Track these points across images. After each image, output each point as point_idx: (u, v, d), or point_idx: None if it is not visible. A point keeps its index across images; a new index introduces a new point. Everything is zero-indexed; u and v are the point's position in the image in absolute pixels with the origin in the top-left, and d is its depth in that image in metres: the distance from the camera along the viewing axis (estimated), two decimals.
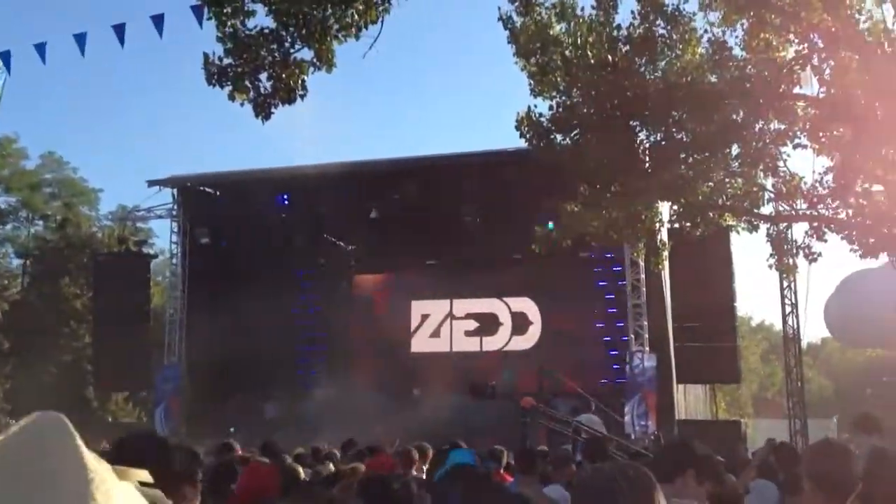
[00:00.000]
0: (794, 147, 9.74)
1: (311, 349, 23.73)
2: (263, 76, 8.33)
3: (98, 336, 23.97)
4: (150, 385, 22.97)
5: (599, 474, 1.81)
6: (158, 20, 9.55)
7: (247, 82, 8.24)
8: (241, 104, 8.43)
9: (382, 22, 7.84)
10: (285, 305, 23.62)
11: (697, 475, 3.04)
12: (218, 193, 21.92)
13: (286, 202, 20.98)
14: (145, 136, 64.76)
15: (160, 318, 24.72)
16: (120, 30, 10.15)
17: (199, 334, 20.52)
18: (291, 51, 8.25)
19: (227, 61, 8.12)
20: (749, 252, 55.55)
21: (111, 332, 22.27)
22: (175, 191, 22.05)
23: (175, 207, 22.17)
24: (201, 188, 21.95)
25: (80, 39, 10.61)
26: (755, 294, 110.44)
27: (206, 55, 7.98)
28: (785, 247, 10.78)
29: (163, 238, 24.73)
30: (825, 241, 10.04)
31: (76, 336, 31.46)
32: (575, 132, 10.68)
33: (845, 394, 38.12)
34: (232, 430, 19.87)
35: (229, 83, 8.18)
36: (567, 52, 10.06)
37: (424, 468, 7.70)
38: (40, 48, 10.80)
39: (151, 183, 21.95)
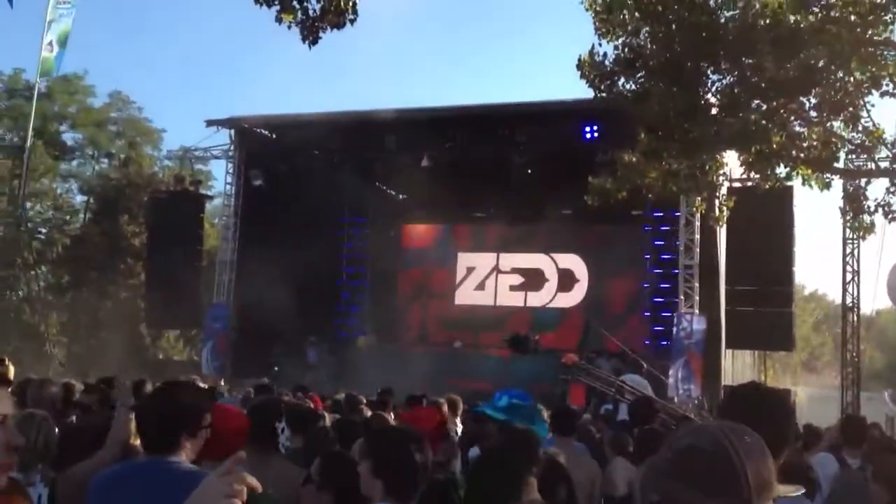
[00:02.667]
0: (882, 95, 9.02)
1: (357, 297, 23.72)
2: None
3: (151, 273, 24.27)
4: (200, 324, 23.20)
5: (705, 434, 1.50)
6: None
7: (294, 2, 7.89)
8: (289, 26, 8.09)
9: None
10: (334, 252, 23.65)
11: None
12: (274, 136, 21.83)
13: (339, 148, 20.70)
14: (211, 77, 65.34)
15: (214, 258, 24.90)
16: None
17: (249, 276, 20.62)
18: None
19: None
20: (805, 217, 53.27)
21: (164, 270, 22.47)
22: (232, 131, 22.02)
23: (231, 148, 22.13)
24: (258, 130, 21.88)
25: None
26: (810, 262, 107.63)
27: None
28: (862, 203, 10.09)
29: (221, 181, 24.75)
30: None
31: (132, 273, 32.02)
32: (640, 74, 10.13)
33: None
34: (276, 369, 20.09)
35: (277, 2, 7.84)
36: None
37: (458, 420, 7.43)
38: None
39: (210, 123, 21.96)
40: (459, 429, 7.24)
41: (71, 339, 32.35)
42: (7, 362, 7.34)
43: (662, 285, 19.46)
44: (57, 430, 3.86)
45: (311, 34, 8.11)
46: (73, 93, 36.44)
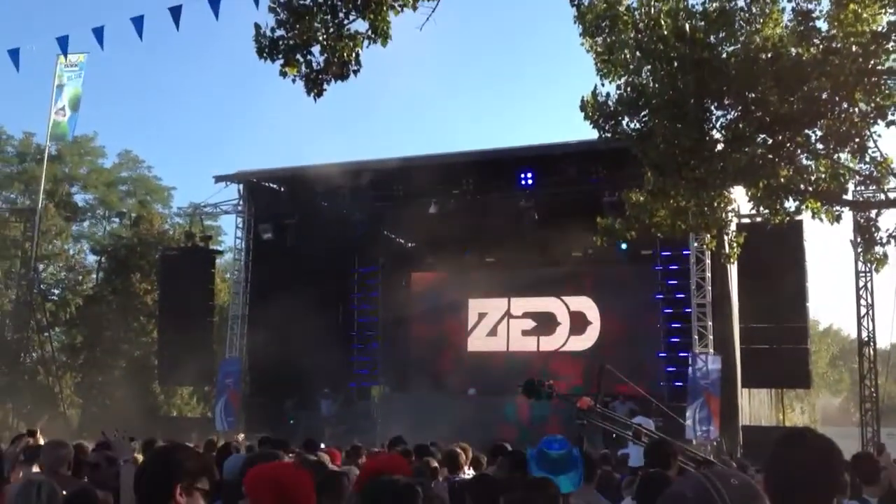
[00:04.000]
0: (889, 125, 8.98)
1: (370, 347, 23.59)
2: (316, 49, 8.08)
3: (163, 330, 24.30)
4: (213, 380, 23.08)
5: (691, 479, 1.52)
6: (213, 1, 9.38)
7: (298, 56, 7.99)
8: (293, 80, 8.18)
9: None
10: (344, 302, 23.60)
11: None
12: (282, 189, 21.99)
13: (347, 198, 20.81)
14: (219, 133, 66.20)
15: (226, 314, 24.90)
16: (176, 13, 10.08)
17: (260, 330, 20.61)
18: (346, 21, 7.97)
19: (279, 33, 7.92)
20: (816, 251, 52.82)
21: (176, 327, 22.53)
22: (241, 186, 22.18)
23: (241, 202, 22.28)
24: (266, 183, 22.05)
25: (138, 23, 10.58)
26: (823, 297, 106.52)
27: (257, 26, 7.80)
28: (874, 235, 9.98)
29: (231, 235, 24.94)
30: None
31: (145, 332, 32.04)
32: (643, 113, 10.14)
33: None
34: (291, 422, 19.90)
35: (280, 56, 7.96)
36: (639, 27, 9.52)
37: (467, 469, 7.25)
38: (98, 32, 10.82)
39: (218, 179, 22.15)
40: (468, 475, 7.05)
41: (85, 399, 32.23)
42: (38, 434, 7.34)
43: (675, 325, 19.27)
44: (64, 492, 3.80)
45: (315, 87, 8.20)
46: (83, 154, 36.97)
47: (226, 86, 67.94)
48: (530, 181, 18.75)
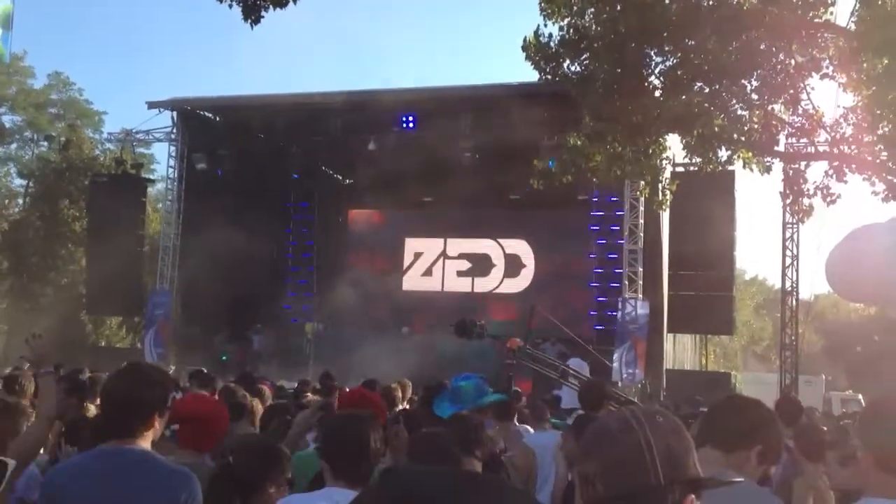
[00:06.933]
0: (822, 78, 9.13)
1: (303, 283, 23.45)
2: None
3: (92, 258, 23.60)
4: (143, 311, 22.65)
5: (617, 416, 1.53)
6: None
7: None
8: (230, 5, 7.84)
9: None
10: (279, 236, 23.30)
11: (763, 454, 2.36)
12: (217, 119, 21.37)
13: (284, 131, 20.33)
14: (153, 59, 63.80)
15: (157, 244, 24.34)
16: None
17: (192, 261, 20.18)
18: None
19: None
20: (745, 203, 54.25)
21: (105, 255, 21.85)
22: (174, 114, 21.46)
23: (174, 131, 21.58)
24: (200, 112, 21.37)
25: None
26: (750, 247, 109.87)
27: None
28: (802, 186, 10.23)
29: (164, 164, 24.16)
30: (845, 181, 9.53)
31: (73, 259, 31.18)
32: (585, 56, 10.10)
33: (835, 351, 37.98)
34: (223, 358, 19.71)
35: None
36: None
37: (405, 405, 7.31)
38: None
39: (151, 105, 21.35)
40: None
41: (11, 326, 31.38)
42: None
43: (607, 270, 19.59)
44: None
45: (252, 13, 7.87)
46: (12, 73, 35.19)
47: (163, 9, 65.25)
48: (470, 121, 18.61)
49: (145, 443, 2.62)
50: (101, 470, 2.55)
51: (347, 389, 7.27)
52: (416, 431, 4.09)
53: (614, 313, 17.99)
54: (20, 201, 35.85)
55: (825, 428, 6.09)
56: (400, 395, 7.18)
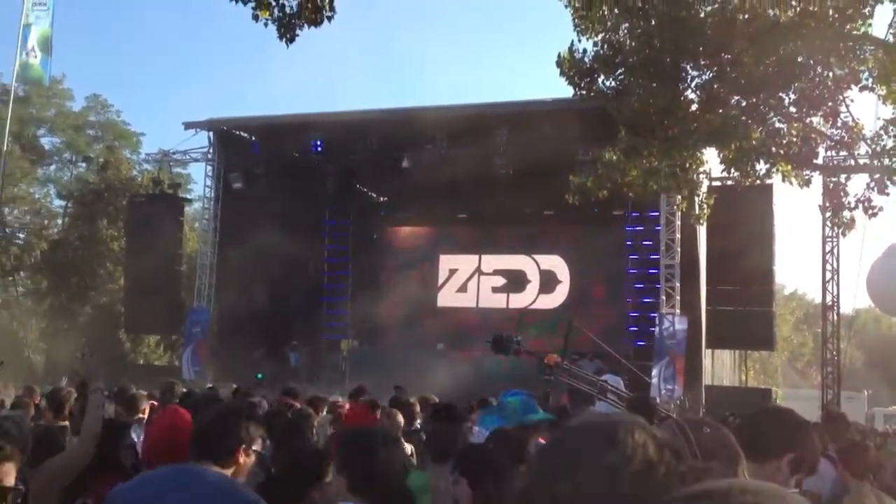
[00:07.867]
0: (861, 90, 9.02)
1: (339, 300, 23.57)
2: None
3: (130, 277, 23.98)
4: (181, 329, 22.93)
5: (664, 426, 1.62)
6: None
7: None
8: (265, 24, 7.96)
9: None
10: (314, 254, 23.49)
11: (795, 462, 2.32)
12: (253, 138, 21.68)
13: (319, 149, 20.56)
14: (188, 81, 64.91)
15: (195, 262, 24.67)
16: None
17: (229, 280, 20.44)
18: None
19: None
20: (784, 217, 53.94)
21: (143, 275, 22.21)
22: (211, 134, 21.83)
23: (210, 151, 21.94)
24: (236, 132, 21.71)
25: None
26: (790, 262, 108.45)
27: None
28: (842, 199, 10.08)
29: (200, 183, 24.56)
30: (887, 194, 9.37)
31: (112, 279, 31.68)
32: (620, 71, 10.09)
33: (877, 366, 37.17)
34: (259, 376, 19.85)
35: None
36: None
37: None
38: None
39: (188, 125, 21.75)
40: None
41: (50, 345, 31.92)
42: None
43: (644, 285, 19.44)
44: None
45: (287, 31, 7.99)
46: (51, 96, 36.03)
47: (199, 31, 66.41)
48: (504, 137, 18.61)
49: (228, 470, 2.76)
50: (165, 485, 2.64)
51: (347, 405, 7.33)
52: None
53: (651, 329, 17.85)
54: (59, 222, 36.50)
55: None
56: (418, 409, 7.22)
